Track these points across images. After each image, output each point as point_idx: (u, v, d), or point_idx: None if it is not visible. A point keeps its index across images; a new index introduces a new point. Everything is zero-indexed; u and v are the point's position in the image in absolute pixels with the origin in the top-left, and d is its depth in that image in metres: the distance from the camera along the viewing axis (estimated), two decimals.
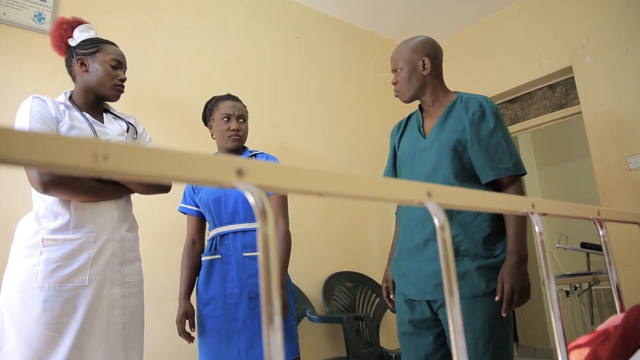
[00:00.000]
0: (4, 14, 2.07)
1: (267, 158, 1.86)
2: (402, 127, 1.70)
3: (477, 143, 1.44)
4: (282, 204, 1.77)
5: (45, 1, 2.18)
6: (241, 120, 1.82)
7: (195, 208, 1.84)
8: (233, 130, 1.77)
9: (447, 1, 3.40)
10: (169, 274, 2.22)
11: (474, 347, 1.36)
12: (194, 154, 0.36)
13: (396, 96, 1.62)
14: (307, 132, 3.08)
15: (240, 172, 0.39)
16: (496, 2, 3.45)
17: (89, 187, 1.36)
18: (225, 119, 1.78)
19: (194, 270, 1.81)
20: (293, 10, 3.26)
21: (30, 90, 2.06)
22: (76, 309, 1.28)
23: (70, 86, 2.15)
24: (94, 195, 1.38)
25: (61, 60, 2.16)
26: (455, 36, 3.87)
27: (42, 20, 2.17)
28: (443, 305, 1.41)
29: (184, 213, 1.88)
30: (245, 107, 1.88)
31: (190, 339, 1.73)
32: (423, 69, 1.54)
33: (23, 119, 1.33)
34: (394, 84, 1.60)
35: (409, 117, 1.71)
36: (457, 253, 1.41)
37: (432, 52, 1.56)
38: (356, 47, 3.61)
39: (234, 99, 1.86)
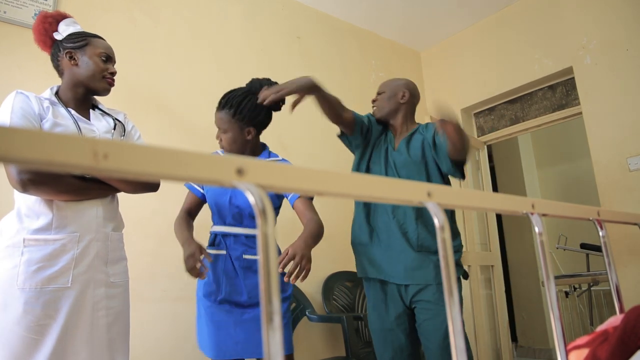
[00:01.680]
0: (5, 12, 2.07)
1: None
2: (381, 132, 1.98)
3: (438, 147, 1.79)
4: (310, 202, 1.72)
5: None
6: (222, 131, 1.70)
7: (201, 190, 1.78)
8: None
9: (448, 1, 3.40)
10: (169, 273, 2.22)
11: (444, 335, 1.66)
12: (195, 152, 0.36)
13: (373, 113, 1.98)
14: (306, 131, 3.08)
15: (240, 172, 0.39)
16: (497, 2, 3.45)
17: (71, 185, 1.30)
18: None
19: (189, 228, 1.71)
20: (293, 10, 3.26)
21: (31, 89, 2.05)
22: (58, 311, 1.24)
23: None
24: (76, 195, 1.32)
25: None
26: (456, 36, 3.87)
27: None
28: (418, 291, 1.72)
29: (189, 190, 1.80)
30: (231, 113, 1.69)
31: (200, 274, 1.54)
32: (401, 98, 1.91)
33: (4, 115, 1.29)
34: (374, 101, 1.98)
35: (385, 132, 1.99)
36: (422, 248, 1.74)
37: (412, 90, 1.94)
38: (356, 47, 3.61)
39: (219, 108, 1.72)
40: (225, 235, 1.72)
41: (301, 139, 3.04)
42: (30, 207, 1.31)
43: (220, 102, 1.74)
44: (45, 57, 2.15)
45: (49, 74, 2.15)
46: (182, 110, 2.53)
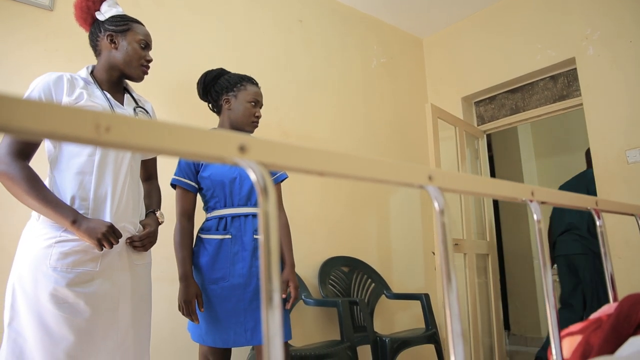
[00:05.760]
0: None
1: None
2: None
3: None
4: (280, 192, 1.80)
5: None
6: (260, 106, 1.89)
7: (195, 185, 1.76)
8: (258, 117, 1.83)
9: None
10: (165, 253, 2.22)
11: None
12: (197, 128, 0.36)
13: None
14: (308, 116, 3.07)
15: (242, 149, 0.39)
16: None
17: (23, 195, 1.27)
18: (253, 104, 1.82)
19: (192, 247, 1.77)
20: None
21: (30, 66, 2.03)
22: (86, 293, 1.29)
23: (67, 63, 2.12)
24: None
25: (61, 37, 2.14)
26: (459, 23, 3.83)
27: None
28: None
29: (184, 188, 1.76)
30: None
31: (197, 319, 1.66)
32: None
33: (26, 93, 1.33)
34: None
35: None
36: None
37: None
38: (358, 32, 3.58)
39: (258, 85, 1.89)
40: (234, 217, 1.72)
41: (302, 123, 3.03)
42: (71, 194, 1.35)
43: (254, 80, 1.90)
44: (44, 34, 2.13)
45: (48, 50, 2.13)
46: (182, 93, 2.51)
